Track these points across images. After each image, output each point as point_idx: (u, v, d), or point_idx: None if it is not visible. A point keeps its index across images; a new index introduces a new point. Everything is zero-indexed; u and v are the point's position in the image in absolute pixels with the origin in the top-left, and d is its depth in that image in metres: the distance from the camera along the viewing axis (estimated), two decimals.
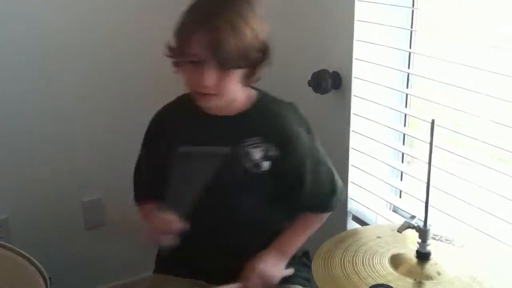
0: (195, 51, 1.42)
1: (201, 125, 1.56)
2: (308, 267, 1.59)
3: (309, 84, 1.89)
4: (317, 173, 1.58)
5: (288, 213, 1.62)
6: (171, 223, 1.48)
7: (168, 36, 1.47)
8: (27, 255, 1.39)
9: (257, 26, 1.45)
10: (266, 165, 1.53)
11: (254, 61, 1.46)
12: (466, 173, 1.61)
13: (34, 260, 1.38)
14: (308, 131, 1.58)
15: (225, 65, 1.42)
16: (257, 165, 1.53)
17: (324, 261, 1.25)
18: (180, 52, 1.46)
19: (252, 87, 1.57)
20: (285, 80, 1.97)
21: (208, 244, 1.59)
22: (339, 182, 1.63)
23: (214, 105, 1.51)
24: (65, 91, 2.28)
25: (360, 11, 1.80)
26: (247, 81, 1.51)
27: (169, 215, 1.49)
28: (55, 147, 2.30)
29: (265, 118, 1.55)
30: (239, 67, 1.45)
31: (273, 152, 1.53)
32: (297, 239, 1.61)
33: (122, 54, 2.36)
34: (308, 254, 1.68)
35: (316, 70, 1.89)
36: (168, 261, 1.64)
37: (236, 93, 1.51)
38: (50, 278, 1.37)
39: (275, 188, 1.56)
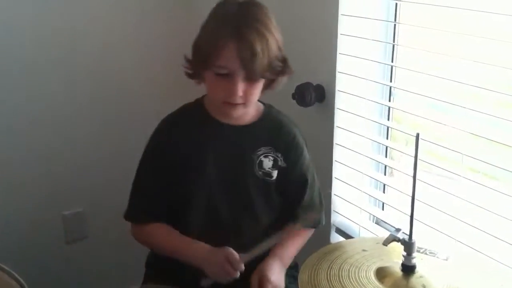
0: (225, 63, 1.42)
1: (216, 135, 1.57)
2: (297, 279, 1.59)
3: (293, 97, 1.90)
4: (312, 187, 1.65)
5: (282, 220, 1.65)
6: (237, 259, 1.45)
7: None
8: (7, 269, 1.37)
9: (278, 36, 1.47)
10: (275, 174, 1.59)
11: (277, 71, 1.49)
12: (448, 186, 1.63)
13: (15, 274, 1.36)
14: (306, 145, 1.64)
15: (254, 77, 1.44)
16: (269, 174, 1.58)
17: (310, 275, 1.24)
18: (207, 64, 1.45)
19: (258, 100, 1.58)
20: (269, 92, 1.96)
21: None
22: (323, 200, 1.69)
23: (241, 114, 1.53)
24: (46, 103, 2.25)
25: (343, 25, 1.81)
26: (267, 89, 1.54)
27: (232, 251, 1.45)
28: (35, 159, 2.27)
29: (274, 129, 1.60)
30: (265, 77, 1.48)
31: (281, 161, 1.58)
32: (293, 251, 1.63)
33: (107, 70, 2.35)
34: (297, 266, 1.68)
35: (300, 83, 1.90)
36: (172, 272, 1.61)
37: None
38: None
39: (280, 196, 1.61)
